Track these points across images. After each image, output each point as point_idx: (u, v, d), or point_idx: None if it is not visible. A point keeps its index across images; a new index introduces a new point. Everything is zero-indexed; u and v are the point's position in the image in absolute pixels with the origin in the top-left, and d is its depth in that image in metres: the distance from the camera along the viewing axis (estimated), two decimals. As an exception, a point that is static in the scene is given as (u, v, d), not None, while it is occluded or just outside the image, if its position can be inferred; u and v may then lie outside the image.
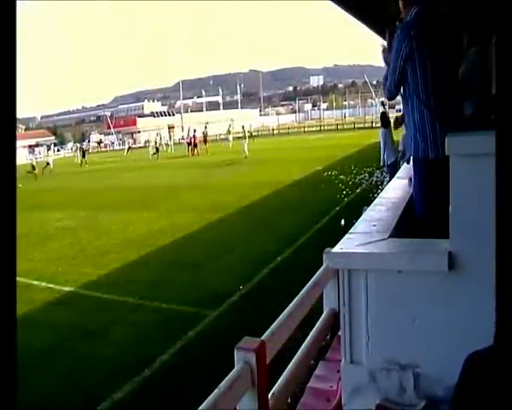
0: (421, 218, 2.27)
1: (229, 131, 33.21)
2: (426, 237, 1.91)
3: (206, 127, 30.15)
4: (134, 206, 12.81)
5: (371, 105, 59.35)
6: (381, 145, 9.06)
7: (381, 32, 6.25)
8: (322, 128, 47.15)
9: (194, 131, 29.80)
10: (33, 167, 25.31)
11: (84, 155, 31.92)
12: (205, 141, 30.33)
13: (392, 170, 7.90)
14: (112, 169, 25.88)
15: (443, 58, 2.16)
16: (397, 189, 3.20)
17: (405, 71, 2.16)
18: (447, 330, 1.65)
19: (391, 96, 2.35)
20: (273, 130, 50.97)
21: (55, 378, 4.24)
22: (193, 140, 29.22)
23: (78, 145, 46.44)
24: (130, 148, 39.28)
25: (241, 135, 33.93)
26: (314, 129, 46.34)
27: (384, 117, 9.52)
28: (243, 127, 27.21)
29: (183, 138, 31.61)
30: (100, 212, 12.29)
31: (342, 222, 7.56)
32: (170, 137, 42.49)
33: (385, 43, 2.90)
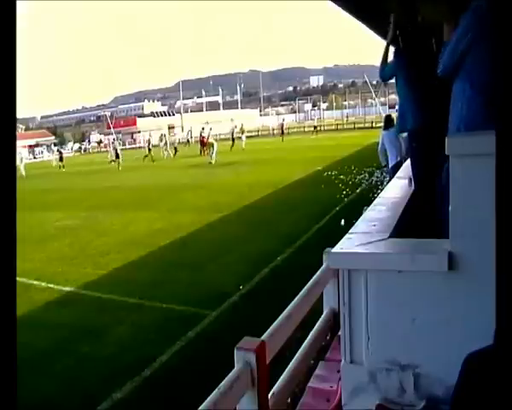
0: (441, 216, 2.21)
1: (242, 131, 32.53)
2: (435, 237, 1.87)
3: (166, 134, 29.46)
4: (134, 206, 12.82)
5: (371, 105, 59.38)
6: (386, 147, 9.10)
7: (381, 32, 6.24)
8: (322, 128, 47.15)
9: (202, 129, 29.40)
10: (150, 149, 26.85)
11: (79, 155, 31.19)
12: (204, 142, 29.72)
13: (395, 171, 7.90)
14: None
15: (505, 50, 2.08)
16: (397, 189, 3.21)
17: (465, 55, 2.08)
18: (447, 331, 1.65)
19: (445, 75, 2.24)
20: (273, 130, 50.96)
21: (54, 378, 4.23)
22: (200, 139, 29.04)
23: (79, 145, 46.14)
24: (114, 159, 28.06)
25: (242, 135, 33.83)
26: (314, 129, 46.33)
27: (389, 119, 9.56)
28: (209, 129, 26.04)
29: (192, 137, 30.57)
30: (100, 211, 12.30)
31: (342, 222, 7.57)
32: (161, 139, 34.10)
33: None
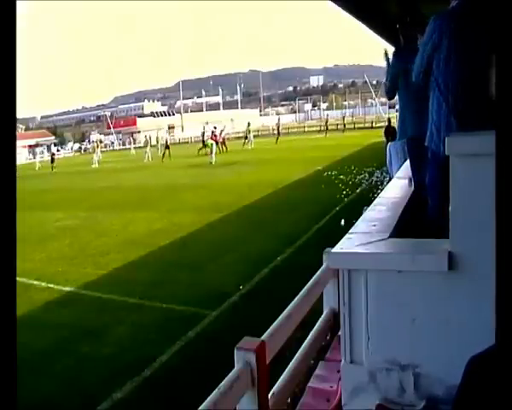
0: (431, 214, 2.27)
1: (249, 130, 32.53)
2: (435, 237, 1.89)
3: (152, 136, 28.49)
4: (134, 206, 12.81)
5: (371, 105, 59.44)
6: (392, 158, 9.25)
7: (381, 33, 6.25)
8: (321, 128, 47.13)
9: (215, 128, 28.98)
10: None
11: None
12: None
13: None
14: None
15: (473, 55, 2.12)
16: (397, 189, 3.20)
17: (432, 60, 2.17)
18: (447, 331, 1.65)
19: (416, 81, 2.38)
20: (273, 130, 50.92)
21: (54, 378, 4.23)
22: (215, 138, 28.62)
23: (79, 145, 45.79)
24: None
25: (241, 135, 33.80)
26: (314, 129, 46.29)
27: (390, 131, 9.66)
28: (234, 126, 25.70)
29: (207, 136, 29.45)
30: (100, 212, 12.29)
31: (342, 222, 7.57)
32: (157, 141, 32.44)
33: (387, 48, 2.99)
